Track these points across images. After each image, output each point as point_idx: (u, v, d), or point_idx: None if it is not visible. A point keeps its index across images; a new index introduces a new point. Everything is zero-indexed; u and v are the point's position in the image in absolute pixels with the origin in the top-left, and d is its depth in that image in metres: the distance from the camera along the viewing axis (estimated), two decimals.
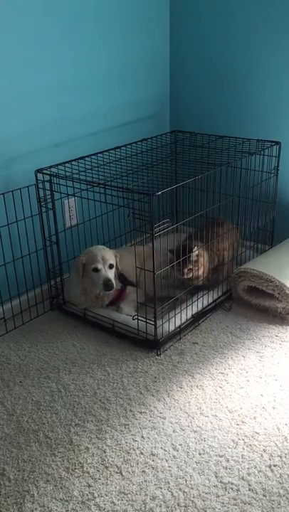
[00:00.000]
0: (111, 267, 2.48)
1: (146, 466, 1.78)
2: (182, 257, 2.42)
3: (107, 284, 2.43)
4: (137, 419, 1.98)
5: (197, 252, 2.49)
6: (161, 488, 1.69)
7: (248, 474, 1.73)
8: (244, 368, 2.25)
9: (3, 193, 2.42)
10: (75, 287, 2.59)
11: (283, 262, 2.65)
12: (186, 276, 2.50)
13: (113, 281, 2.45)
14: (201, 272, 2.55)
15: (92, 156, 2.62)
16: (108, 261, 2.47)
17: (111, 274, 2.47)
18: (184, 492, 1.68)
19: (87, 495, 1.68)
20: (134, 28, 2.93)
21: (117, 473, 1.76)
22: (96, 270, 2.45)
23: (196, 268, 2.52)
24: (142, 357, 2.34)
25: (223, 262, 2.74)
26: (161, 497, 1.66)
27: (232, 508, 1.62)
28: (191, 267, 2.49)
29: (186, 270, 2.48)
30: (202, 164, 2.51)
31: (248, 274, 2.59)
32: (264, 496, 1.65)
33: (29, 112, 2.51)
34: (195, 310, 2.56)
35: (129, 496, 1.67)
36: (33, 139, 2.56)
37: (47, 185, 2.44)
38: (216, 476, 1.73)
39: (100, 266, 2.45)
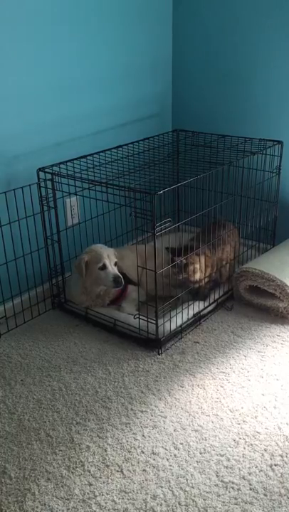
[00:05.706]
0: (115, 264, 2.49)
1: (147, 465, 1.78)
2: (179, 258, 2.41)
3: (117, 281, 2.44)
4: (138, 418, 1.98)
5: (190, 261, 2.46)
6: (162, 487, 1.69)
7: (249, 474, 1.73)
8: (245, 367, 2.25)
9: (5, 192, 2.42)
10: (76, 286, 2.59)
11: (285, 262, 2.65)
12: (180, 278, 2.49)
13: (122, 277, 2.46)
14: (197, 276, 2.53)
15: (94, 155, 2.62)
16: (113, 259, 2.48)
17: (116, 271, 2.48)
18: (185, 491, 1.68)
19: (88, 493, 1.68)
20: (137, 27, 2.92)
21: (118, 471, 1.76)
22: (103, 268, 2.45)
23: (192, 272, 2.49)
24: (143, 356, 2.34)
25: (221, 272, 2.72)
26: (162, 496, 1.66)
27: (233, 508, 1.62)
28: (191, 267, 2.48)
29: (182, 273, 2.46)
30: (204, 163, 2.51)
31: (250, 274, 2.59)
32: (265, 495, 1.65)
33: (31, 111, 2.51)
34: (196, 309, 2.55)
35: (130, 494, 1.67)
36: (35, 138, 2.56)
37: (49, 183, 2.44)
38: (217, 476, 1.73)
39: (107, 263, 2.45)
